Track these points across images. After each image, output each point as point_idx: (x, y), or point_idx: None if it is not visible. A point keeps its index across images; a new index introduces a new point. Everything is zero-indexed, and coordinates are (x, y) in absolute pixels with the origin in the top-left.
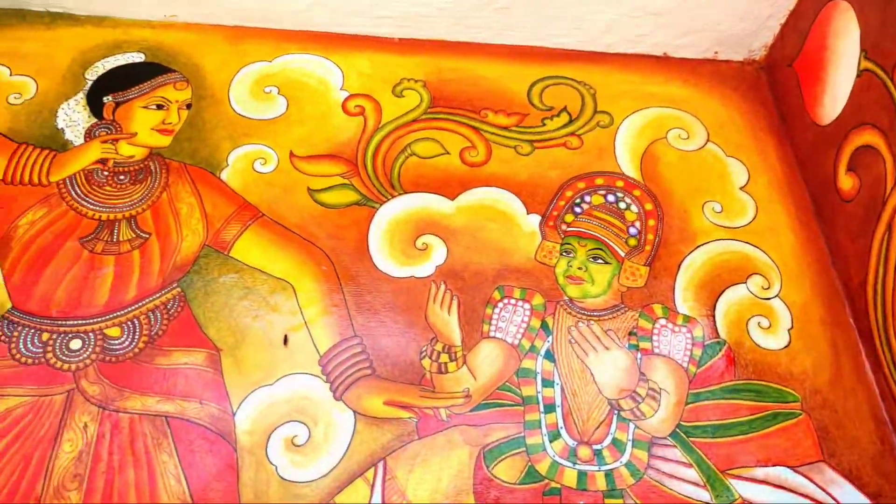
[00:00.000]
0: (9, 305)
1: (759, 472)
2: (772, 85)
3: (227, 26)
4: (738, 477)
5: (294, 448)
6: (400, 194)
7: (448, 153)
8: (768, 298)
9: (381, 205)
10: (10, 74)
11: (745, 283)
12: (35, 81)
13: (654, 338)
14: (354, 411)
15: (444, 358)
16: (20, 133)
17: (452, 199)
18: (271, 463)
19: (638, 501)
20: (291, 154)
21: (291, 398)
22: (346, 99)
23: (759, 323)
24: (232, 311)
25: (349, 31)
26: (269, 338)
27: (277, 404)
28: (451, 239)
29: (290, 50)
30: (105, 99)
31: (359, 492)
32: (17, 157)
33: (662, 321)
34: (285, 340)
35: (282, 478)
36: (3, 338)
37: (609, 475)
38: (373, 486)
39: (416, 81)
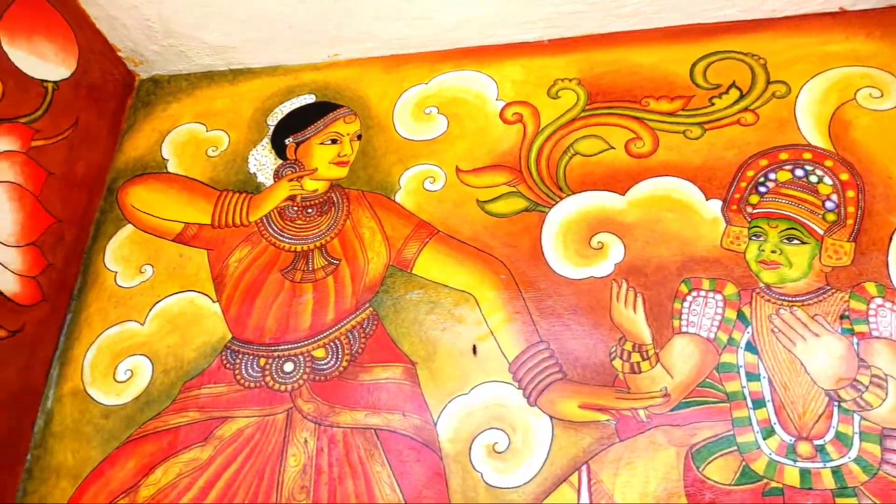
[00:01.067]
0: (229, 336)
1: None
2: None
3: (384, 57)
4: None
5: (496, 455)
6: (568, 195)
7: (612, 147)
8: None
9: (549, 208)
10: (207, 131)
11: None
12: (227, 134)
13: (871, 319)
14: (550, 416)
15: (635, 357)
16: (220, 181)
17: (623, 193)
18: (476, 470)
19: (875, 501)
20: (457, 169)
21: (487, 406)
22: (503, 108)
23: None
24: (421, 325)
25: (499, 42)
26: (458, 348)
27: (475, 413)
28: (627, 235)
29: (444, 69)
30: (286, 141)
31: (566, 496)
32: (220, 203)
33: (878, 300)
34: (474, 350)
35: (488, 484)
36: (227, 366)
37: (837, 472)
38: (579, 490)
39: (570, 80)
